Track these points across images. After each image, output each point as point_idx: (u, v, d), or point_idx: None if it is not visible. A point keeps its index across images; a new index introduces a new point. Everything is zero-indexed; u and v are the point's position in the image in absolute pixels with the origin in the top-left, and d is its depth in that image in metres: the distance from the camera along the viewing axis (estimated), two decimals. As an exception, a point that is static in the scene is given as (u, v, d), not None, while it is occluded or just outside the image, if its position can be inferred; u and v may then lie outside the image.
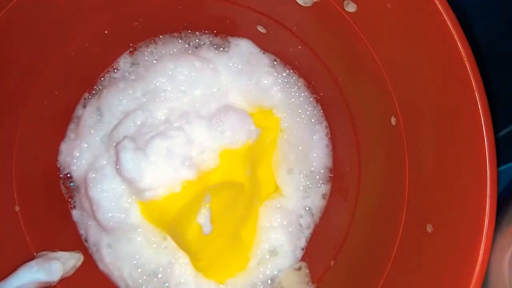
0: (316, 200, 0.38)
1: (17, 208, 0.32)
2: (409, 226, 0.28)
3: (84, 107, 0.37)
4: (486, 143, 0.22)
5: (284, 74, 0.38)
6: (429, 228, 0.26)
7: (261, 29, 0.37)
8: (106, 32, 0.35)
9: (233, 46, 0.38)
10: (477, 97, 0.22)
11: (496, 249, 0.25)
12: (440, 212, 0.25)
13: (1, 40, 0.29)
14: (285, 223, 0.36)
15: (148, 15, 0.36)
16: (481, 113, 0.22)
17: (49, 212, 0.35)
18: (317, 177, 0.38)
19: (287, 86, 0.38)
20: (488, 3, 0.35)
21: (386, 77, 0.29)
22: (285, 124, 0.37)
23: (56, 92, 0.35)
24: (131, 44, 0.38)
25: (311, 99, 0.38)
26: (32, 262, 0.30)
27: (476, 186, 0.23)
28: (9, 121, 0.32)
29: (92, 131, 0.35)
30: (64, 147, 0.37)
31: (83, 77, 0.37)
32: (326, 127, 0.38)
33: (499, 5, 0.35)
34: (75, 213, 0.36)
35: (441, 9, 0.22)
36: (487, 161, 0.22)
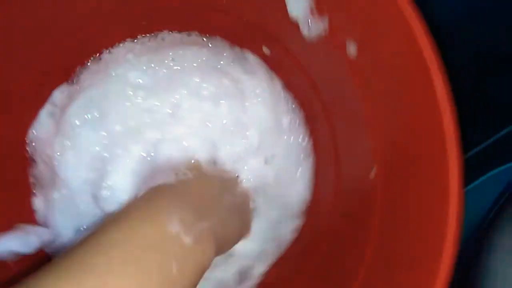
0: (286, 232, 0.37)
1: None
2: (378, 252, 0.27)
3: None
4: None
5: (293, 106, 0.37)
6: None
7: (265, 50, 0.36)
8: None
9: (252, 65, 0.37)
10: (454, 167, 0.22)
11: (501, 251, 0.25)
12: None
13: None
14: None
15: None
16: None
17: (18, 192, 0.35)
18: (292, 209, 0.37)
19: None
20: (488, 4, 0.35)
21: (371, 129, 0.28)
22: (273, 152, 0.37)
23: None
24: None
25: (304, 134, 0.37)
26: (14, 233, 0.31)
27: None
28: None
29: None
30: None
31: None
32: (311, 162, 0.37)
33: (498, 7, 0.35)
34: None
35: (436, 86, 0.21)
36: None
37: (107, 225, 0.24)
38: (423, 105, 0.22)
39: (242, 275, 0.36)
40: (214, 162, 0.35)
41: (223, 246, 0.29)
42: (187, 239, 0.24)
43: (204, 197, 0.29)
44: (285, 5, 0.29)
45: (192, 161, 0.33)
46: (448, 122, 0.21)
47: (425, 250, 0.23)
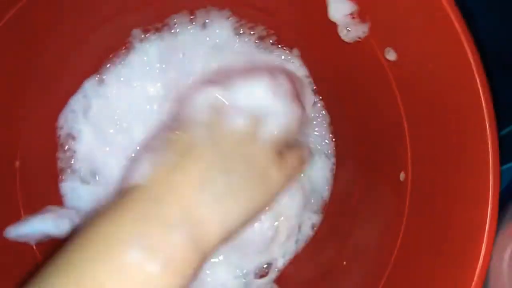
0: (305, 230, 0.38)
1: (17, 164, 0.33)
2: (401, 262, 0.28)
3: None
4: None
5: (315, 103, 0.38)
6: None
7: (295, 52, 0.37)
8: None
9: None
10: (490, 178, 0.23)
11: (495, 249, 0.25)
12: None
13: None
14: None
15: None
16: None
17: (46, 175, 0.35)
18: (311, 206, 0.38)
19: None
20: (490, 4, 0.36)
21: (406, 132, 0.29)
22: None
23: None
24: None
25: (328, 135, 0.38)
26: (46, 215, 0.31)
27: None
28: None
29: None
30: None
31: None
32: (333, 164, 0.38)
33: (501, 6, 0.36)
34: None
35: (480, 89, 0.22)
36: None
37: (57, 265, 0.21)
38: (465, 106, 0.23)
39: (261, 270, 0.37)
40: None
41: (223, 235, 0.24)
42: (152, 267, 0.21)
43: (199, 180, 0.24)
44: (325, 7, 0.30)
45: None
46: (489, 123, 0.22)
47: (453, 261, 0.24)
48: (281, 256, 0.37)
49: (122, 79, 0.36)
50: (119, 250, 0.21)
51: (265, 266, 0.37)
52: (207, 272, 0.36)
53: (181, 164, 0.25)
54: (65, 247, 0.22)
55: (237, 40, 0.37)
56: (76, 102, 0.36)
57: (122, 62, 0.37)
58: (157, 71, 0.36)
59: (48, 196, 0.35)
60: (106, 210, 0.23)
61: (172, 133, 0.26)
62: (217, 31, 0.37)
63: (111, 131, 0.36)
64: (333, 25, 0.31)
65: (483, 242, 0.22)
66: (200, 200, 0.24)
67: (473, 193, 0.23)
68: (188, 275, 0.22)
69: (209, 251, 0.24)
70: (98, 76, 0.36)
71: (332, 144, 0.38)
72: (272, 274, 0.37)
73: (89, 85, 0.36)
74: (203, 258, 0.23)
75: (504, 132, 0.34)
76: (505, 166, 0.33)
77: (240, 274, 0.36)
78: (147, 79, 0.36)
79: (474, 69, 0.23)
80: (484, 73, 0.23)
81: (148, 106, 0.36)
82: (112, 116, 0.36)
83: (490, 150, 0.23)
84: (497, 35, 0.36)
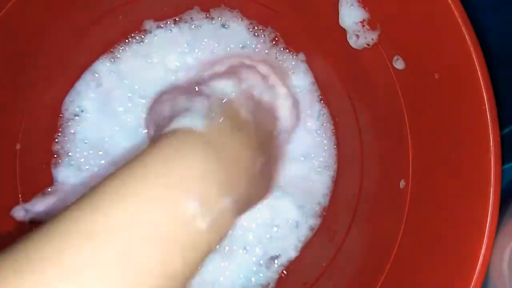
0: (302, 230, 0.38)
1: (18, 146, 0.33)
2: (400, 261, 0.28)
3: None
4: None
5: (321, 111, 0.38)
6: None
7: (301, 56, 0.37)
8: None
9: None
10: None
11: (495, 247, 0.25)
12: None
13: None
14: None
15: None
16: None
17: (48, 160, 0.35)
18: (308, 208, 0.38)
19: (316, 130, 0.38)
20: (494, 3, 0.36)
21: (409, 139, 0.29)
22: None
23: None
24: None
25: (331, 142, 0.38)
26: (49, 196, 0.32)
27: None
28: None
29: None
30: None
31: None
32: (334, 171, 0.38)
33: (504, 5, 0.36)
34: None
35: (486, 104, 0.23)
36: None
37: (105, 200, 0.19)
38: (469, 116, 0.24)
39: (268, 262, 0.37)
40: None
41: (240, 213, 0.24)
42: (202, 224, 0.20)
43: (238, 159, 0.23)
44: (336, 13, 0.30)
45: (224, 100, 0.27)
46: (493, 133, 0.23)
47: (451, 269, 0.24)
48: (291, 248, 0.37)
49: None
50: (176, 198, 0.20)
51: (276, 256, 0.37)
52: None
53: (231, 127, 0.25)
54: (116, 178, 0.20)
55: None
56: (82, 84, 0.36)
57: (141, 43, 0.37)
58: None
59: (47, 180, 0.35)
60: (161, 152, 0.21)
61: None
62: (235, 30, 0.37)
63: (120, 109, 0.36)
64: (342, 31, 0.31)
65: (483, 242, 0.22)
66: (247, 172, 0.24)
67: (474, 192, 0.23)
68: (222, 238, 0.22)
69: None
70: (109, 55, 0.36)
71: (335, 151, 0.38)
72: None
73: (99, 66, 0.36)
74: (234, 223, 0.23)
75: (504, 131, 0.34)
76: (505, 166, 0.32)
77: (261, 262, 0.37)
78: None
79: (482, 82, 0.23)
80: (491, 85, 0.23)
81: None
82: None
83: (492, 154, 0.23)
84: (495, 35, 0.36)
